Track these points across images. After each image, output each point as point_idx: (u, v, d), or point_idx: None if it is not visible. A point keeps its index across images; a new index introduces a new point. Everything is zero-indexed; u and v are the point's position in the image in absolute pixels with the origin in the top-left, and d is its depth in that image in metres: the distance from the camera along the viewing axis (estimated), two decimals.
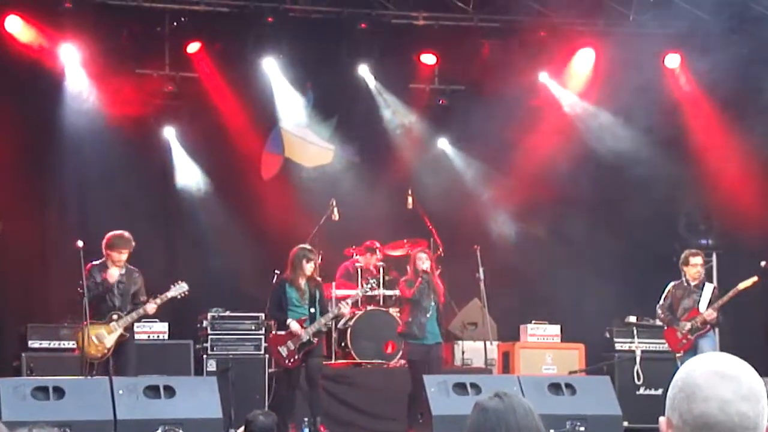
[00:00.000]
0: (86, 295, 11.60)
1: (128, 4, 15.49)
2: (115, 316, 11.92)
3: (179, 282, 12.27)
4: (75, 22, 15.23)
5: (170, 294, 12.17)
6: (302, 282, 12.79)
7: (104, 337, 11.84)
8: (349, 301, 13.46)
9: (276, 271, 13.69)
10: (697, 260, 13.34)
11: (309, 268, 12.78)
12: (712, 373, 2.62)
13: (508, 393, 3.56)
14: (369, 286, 13.92)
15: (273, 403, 13.63)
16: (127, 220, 13.96)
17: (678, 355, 12.91)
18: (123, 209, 15.41)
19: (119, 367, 11.84)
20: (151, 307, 12.06)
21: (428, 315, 12.90)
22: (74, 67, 15.64)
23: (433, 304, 12.96)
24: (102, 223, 14.29)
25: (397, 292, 14.41)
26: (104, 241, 12.06)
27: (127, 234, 12.07)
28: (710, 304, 13.10)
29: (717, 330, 13.68)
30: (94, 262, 12.04)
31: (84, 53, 15.51)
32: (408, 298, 13.02)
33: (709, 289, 13.31)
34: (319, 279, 13.08)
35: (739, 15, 16.59)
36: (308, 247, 13.12)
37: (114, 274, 11.94)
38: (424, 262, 12.98)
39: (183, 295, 12.23)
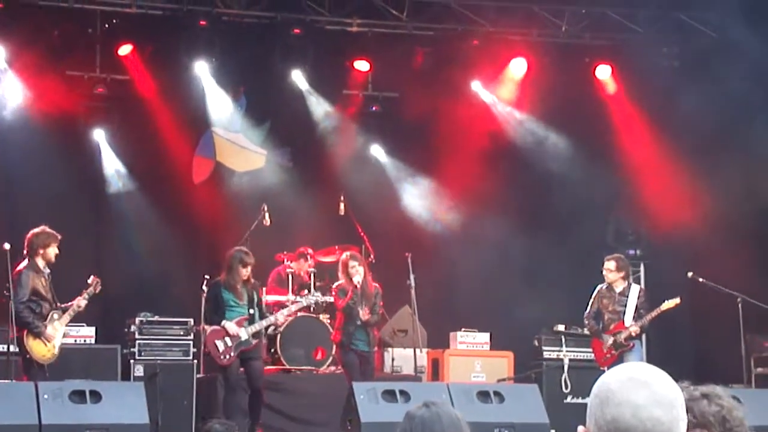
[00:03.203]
0: (12, 298, 11.46)
1: (59, 5, 15.33)
2: (56, 315, 11.81)
3: (93, 277, 12.21)
4: (5, 22, 15.06)
5: (91, 289, 12.09)
6: (238, 286, 12.64)
7: (52, 337, 11.73)
8: (285, 311, 13.37)
9: (206, 276, 13.60)
10: (609, 264, 13.31)
11: (245, 272, 12.64)
12: (626, 379, 2.65)
13: (437, 402, 3.58)
14: (311, 299, 13.74)
15: (208, 408, 13.55)
16: (56, 223, 13.76)
17: (603, 369, 12.99)
18: (51, 211, 15.19)
19: (60, 368, 11.85)
20: (83, 302, 11.97)
21: (357, 324, 12.85)
22: (3, 67, 15.45)
23: (361, 313, 12.88)
24: (30, 225, 14.09)
25: (328, 298, 14.38)
26: (32, 241, 11.81)
27: (48, 228, 11.94)
28: (636, 310, 13.14)
29: (644, 343, 13.78)
30: (23, 265, 11.79)
31: (14, 54, 15.33)
32: (339, 308, 12.97)
33: (635, 292, 13.32)
34: (255, 281, 12.96)
35: (670, 28, 16.82)
36: (245, 249, 12.97)
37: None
38: (357, 272, 12.86)
39: (97, 286, 12.14)
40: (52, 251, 11.84)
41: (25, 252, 11.83)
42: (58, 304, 11.92)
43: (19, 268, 11.73)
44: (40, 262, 11.81)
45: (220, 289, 12.66)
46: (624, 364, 2.76)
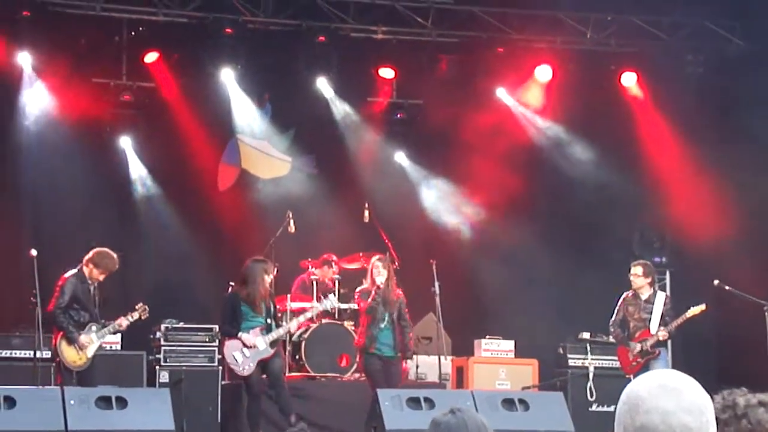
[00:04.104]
0: (39, 304, 11.67)
1: (86, 13, 15.41)
2: (94, 327, 11.98)
3: (141, 304, 12.42)
4: (32, 31, 15.13)
5: (136, 314, 12.31)
6: (258, 298, 12.49)
7: (85, 346, 11.89)
8: (302, 318, 13.33)
9: (230, 283, 13.61)
10: (636, 270, 13.30)
11: (269, 280, 12.62)
12: (656, 386, 2.65)
13: (462, 408, 3.58)
14: (327, 303, 13.70)
15: (232, 415, 13.55)
16: (82, 229, 13.91)
17: (629, 377, 12.96)
18: (78, 218, 15.32)
19: (92, 376, 11.94)
20: (125, 322, 12.22)
21: (381, 327, 12.80)
22: (31, 75, 15.54)
23: (386, 316, 12.84)
24: (56, 231, 14.22)
25: (352, 305, 14.37)
26: (94, 255, 12.08)
27: (116, 258, 12.17)
28: (662, 317, 13.11)
29: (669, 350, 13.74)
30: (71, 273, 12.02)
31: (41, 62, 15.41)
32: (362, 310, 12.95)
33: (660, 299, 13.29)
34: (270, 290, 12.97)
35: (695, 35, 16.77)
36: (262, 258, 13.00)
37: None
38: (379, 274, 12.85)
39: (144, 313, 12.31)
40: (98, 275, 12.08)
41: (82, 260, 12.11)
42: (102, 321, 12.10)
43: (66, 275, 12.02)
44: (87, 276, 12.07)
45: (239, 301, 12.56)
46: (653, 371, 2.76)
